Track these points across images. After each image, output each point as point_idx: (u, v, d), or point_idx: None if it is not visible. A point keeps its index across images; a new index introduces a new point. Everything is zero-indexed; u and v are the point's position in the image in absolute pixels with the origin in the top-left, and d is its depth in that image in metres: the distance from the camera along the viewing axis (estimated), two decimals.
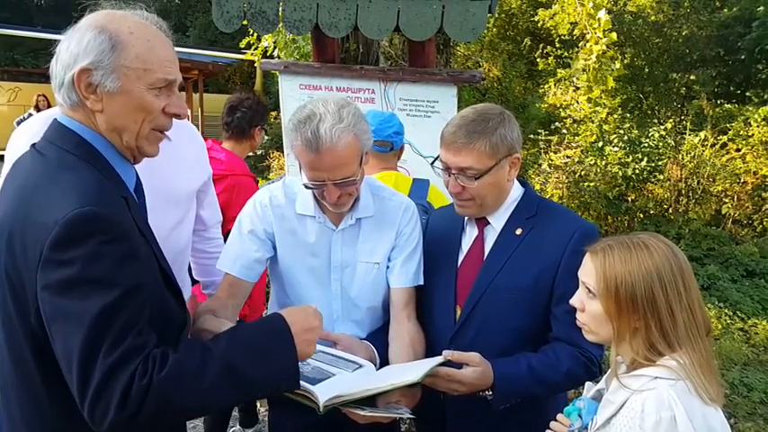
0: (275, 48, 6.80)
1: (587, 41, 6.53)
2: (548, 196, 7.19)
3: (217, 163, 3.14)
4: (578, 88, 7.35)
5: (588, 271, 1.36)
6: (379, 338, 1.81)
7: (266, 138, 5.06)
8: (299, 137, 1.57)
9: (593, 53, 6.35)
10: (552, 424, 1.47)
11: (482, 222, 1.81)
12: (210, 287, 2.28)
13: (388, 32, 3.41)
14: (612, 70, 6.40)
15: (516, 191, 1.81)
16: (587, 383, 1.55)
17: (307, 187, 1.68)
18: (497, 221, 1.78)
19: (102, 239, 1.12)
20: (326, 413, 1.42)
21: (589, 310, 1.36)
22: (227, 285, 1.78)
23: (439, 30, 3.28)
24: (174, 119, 1.37)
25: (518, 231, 1.74)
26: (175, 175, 1.87)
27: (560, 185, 7.39)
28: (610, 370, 1.41)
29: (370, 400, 1.49)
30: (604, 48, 6.27)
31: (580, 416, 1.42)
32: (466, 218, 1.84)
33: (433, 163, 1.78)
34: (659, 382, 1.24)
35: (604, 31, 6.24)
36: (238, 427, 3.55)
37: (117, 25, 1.25)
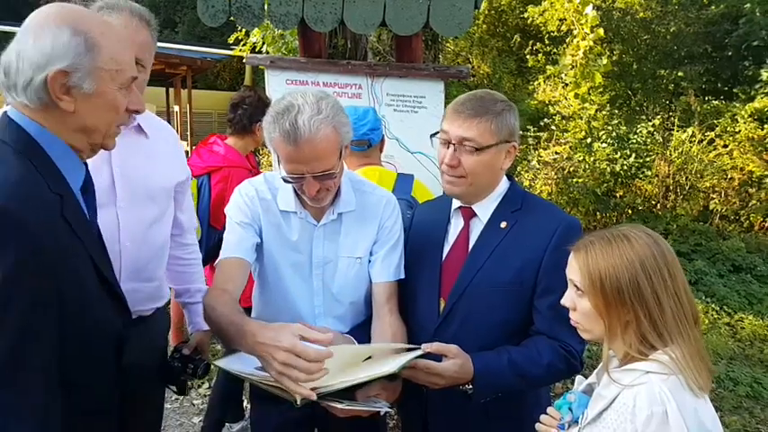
0: (264, 43, 6.75)
1: (574, 37, 6.55)
2: (536, 192, 7.22)
3: (215, 156, 3.22)
4: (567, 85, 7.38)
5: (573, 269, 1.36)
6: (361, 334, 1.79)
7: None
8: (276, 128, 1.54)
9: (580, 49, 6.36)
10: (542, 417, 1.46)
11: (468, 214, 1.80)
12: (184, 295, 2.18)
13: (375, 27, 3.40)
14: (599, 66, 6.41)
15: (503, 184, 1.81)
16: (578, 377, 1.53)
17: (286, 181, 1.65)
18: (483, 213, 1.77)
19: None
20: (304, 406, 1.40)
21: (580, 308, 1.35)
22: (227, 271, 1.67)
23: (425, 25, 3.28)
24: (134, 114, 1.41)
25: (502, 225, 1.73)
26: (152, 170, 1.84)
27: (549, 182, 7.42)
28: (601, 364, 1.40)
29: (348, 393, 1.47)
30: (591, 44, 6.29)
31: (570, 409, 1.41)
32: (452, 210, 1.83)
33: (432, 136, 1.78)
34: (651, 376, 1.23)
35: (592, 27, 6.26)
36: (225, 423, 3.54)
37: (88, 25, 1.23)
